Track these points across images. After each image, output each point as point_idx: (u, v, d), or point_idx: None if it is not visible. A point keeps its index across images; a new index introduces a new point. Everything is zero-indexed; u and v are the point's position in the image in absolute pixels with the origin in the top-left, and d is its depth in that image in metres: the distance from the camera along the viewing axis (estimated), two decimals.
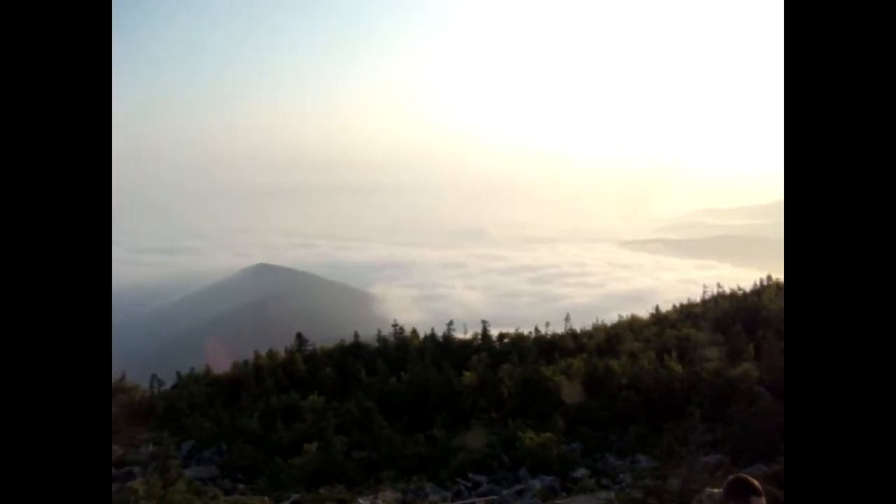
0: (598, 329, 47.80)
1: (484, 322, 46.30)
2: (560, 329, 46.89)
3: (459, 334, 45.96)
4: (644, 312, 52.44)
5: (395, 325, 47.07)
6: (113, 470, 33.37)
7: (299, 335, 46.28)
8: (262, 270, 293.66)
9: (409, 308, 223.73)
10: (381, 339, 45.95)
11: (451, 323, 45.15)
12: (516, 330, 46.75)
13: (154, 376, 45.99)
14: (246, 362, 45.75)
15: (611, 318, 51.91)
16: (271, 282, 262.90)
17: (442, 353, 40.52)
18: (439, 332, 44.98)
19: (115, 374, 51.57)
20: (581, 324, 48.79)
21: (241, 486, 29.75)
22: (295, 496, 24.95)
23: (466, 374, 37.31)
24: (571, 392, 34.77)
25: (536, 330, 46.33)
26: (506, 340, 45.14)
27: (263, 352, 46.60)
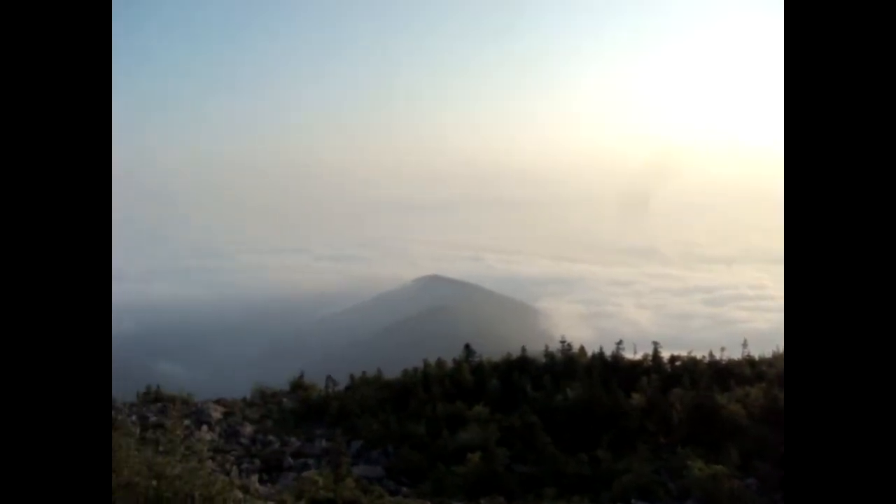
0: (779, 357, 44.67)
1: (655, 343, 44.67)
2: (736, 355, 44.32)
3: (628, 354, 44.64)
4: None
5: (562, 342, 46.50)
6: (291, 460, 35.48)
7: (467, 346, 46.96)
8: (434, 282, 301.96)
9: (575, 325, 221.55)
10: (549, 355, 45.60)
11: (620, 342, 43.87)
12: (689, 353, 44.71)
13: (329, 377, 48.41)
14: (415, 370, 47.09)
15: None
16: (442, 293, 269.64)
17: (610, 373, 39.51)
18: (607, 351, 43.95)
19: (294, 372, 54.86)
20: (759, 350, 45.77)
21: (404, 488, 30.55)
22: None
23: (635, 395, 36.18)
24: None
25: (710, 354, 44.08)
26: (677, 363, 43.30)
27: (432, 360, 47.74)
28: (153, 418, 42.22)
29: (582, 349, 47.91)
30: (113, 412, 42.73)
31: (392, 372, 51.65)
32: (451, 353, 50.26)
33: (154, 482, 8.20)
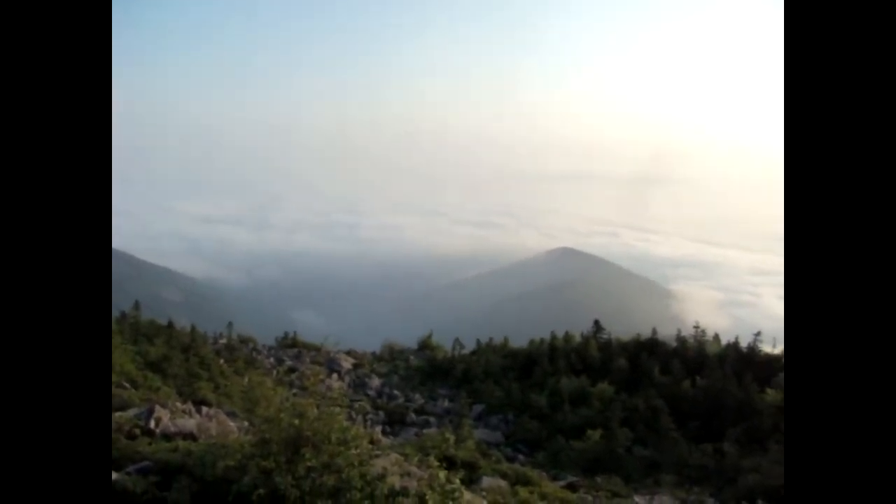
0: None
1: None
2: None
3: (766, 347, 42.47)
4: None
5: (696, 327, 44.98)
6: (413, 416, 36.57)
7: (597, 322, 46.38)
8: (567, 254, 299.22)
9: (710, 311, 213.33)
10: (680, 340, 44.22)
11: (758, 334, 41.78)
12: None
13: (456, 340, 49.32)
14: (542, 341, 47.01)
15: None
16: (574, 266, 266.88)
17: (744, 365, 37.89)
18: (743, 342, 42.02)
19: (424, 332, 56.14)
20: None
21: (521, 456, 30.85)
22: (571, 478, 25.24)
23: (770, 391, 34.47)
24: None
25: None
26: None
27: (559, 333, 47.51)
28: (288, 362, 44.71)
29: (716, 337, 46.17)
30: (252, 353, 45.17)
31: (518, 341, 51.94)
32: (578, 328, 49.84)
33: (296, 421, 8.67)
